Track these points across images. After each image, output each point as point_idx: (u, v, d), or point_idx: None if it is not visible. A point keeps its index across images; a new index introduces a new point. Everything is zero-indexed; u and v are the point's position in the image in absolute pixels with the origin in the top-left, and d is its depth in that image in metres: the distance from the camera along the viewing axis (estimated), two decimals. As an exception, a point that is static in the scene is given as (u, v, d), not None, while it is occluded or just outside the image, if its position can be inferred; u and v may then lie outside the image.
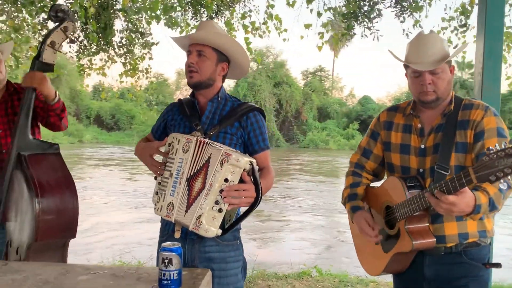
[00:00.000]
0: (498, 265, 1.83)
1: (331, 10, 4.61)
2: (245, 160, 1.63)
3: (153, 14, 4.04)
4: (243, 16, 4.95)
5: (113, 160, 22.21)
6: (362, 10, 4.42)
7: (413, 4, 4.43)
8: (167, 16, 4.24)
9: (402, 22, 4.37)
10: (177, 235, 1.85)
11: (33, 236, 2.00)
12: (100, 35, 6.08)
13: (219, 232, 1.67)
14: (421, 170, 1.87)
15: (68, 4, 5.15)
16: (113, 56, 6.43)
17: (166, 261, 1.28)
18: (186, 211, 1.72)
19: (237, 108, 1.94)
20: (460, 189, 1.52)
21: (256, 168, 1.67)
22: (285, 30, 5.04)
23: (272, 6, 4.87)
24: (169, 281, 1.28)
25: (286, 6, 4.66)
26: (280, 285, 4.46)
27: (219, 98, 1.97)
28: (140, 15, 4.83)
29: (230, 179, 1.64)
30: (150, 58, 6.62)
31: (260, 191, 1.67)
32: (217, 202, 1.64)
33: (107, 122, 40.68)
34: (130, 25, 6.40)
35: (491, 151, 1.44)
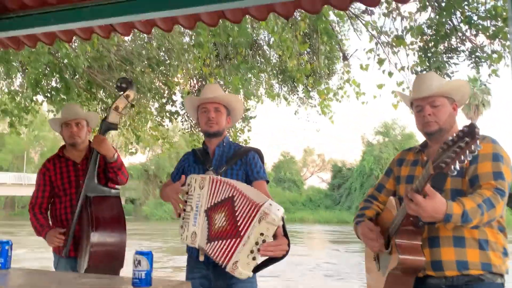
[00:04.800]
0: None
1: (404, 69, 4.68)
2: (279, 218, 1.83)
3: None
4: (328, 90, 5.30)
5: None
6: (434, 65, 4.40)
7: (492, 55, 4.28)
8: (245, 89, 4.77)
9: (478, 73, 4.23)
10: (201, 258, 2.15)
11: (87, 263, 2.42)
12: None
13: (251, 274, 1.89)
14: None
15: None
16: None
17: (136, 262, 1.54)
18: (208, 240, 2.00)
19: (238, 150, 2.36)
20: (426, 186, 1.57)
21: (284, 217, 1.89)
22: (363, 93, 5.20)
23: (348, 72, 5.12)
24: (138, 280, 1.53)
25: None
26: None
27: (224, 144, 2.39)
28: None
29: (266, 234, 1.85)
30: (249, 130, 7.33)
31: (289, 243, 1.90)
32: (252, 251, 1.86)
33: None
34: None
35: (445, 143, 1.50)
